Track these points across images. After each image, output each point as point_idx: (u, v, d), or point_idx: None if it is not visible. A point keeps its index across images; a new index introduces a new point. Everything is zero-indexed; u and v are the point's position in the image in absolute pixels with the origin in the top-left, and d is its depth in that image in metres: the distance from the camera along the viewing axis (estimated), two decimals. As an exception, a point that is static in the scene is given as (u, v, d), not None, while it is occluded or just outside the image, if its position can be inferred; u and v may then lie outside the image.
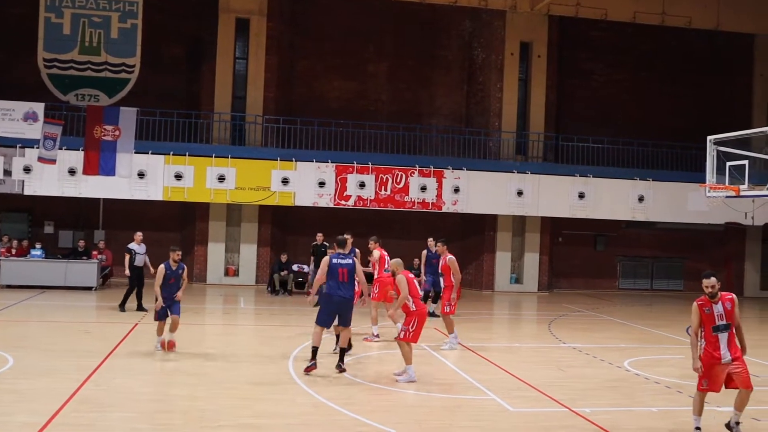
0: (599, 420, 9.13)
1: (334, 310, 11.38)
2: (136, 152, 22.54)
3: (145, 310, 17.26)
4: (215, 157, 23.07)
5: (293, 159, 23.42)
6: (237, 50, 25.29)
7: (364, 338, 14.36)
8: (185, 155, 22.88)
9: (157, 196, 22.90)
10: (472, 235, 26.91)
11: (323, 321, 11.35)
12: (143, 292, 17.58)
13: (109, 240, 24.18)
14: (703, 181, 14.57)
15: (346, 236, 12.14)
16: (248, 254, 24.98)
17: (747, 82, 28.11)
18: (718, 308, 8.41)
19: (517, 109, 26.43)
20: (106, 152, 22.23)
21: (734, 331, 8.49)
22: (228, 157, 23.12)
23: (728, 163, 14.09)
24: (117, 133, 22.35)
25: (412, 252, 23.31)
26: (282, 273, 22.81)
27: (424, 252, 19.16)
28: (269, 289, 23.02)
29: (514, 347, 15.27)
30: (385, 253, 14.75)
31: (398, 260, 11.54)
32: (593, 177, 24.94)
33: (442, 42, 28.01)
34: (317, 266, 20.21)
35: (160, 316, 12.63)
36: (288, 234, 25.99)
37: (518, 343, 15.69)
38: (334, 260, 11.35)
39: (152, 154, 22.72)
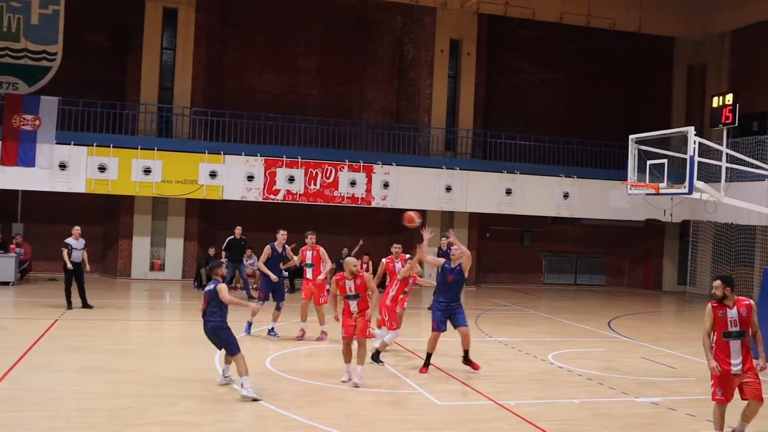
0: (524, 412, 9.31)
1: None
2: (57, 143, 21.86)
3: (91, 307, 16.75)
4: (141, 149, 22.54)
5: (221, 152, 23.08)
6: (164, 40, 24.74)
7: (315, 338, 14.04)
8: (109, 147, 22.28)
9: (80, 188, 22.24)
10: (401, 230, 26.96)
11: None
12: (85, 288, 17.00)
13: (28, 233, 23.39)
14: (625, 179, 14.98)
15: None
16: (175, 248, 24.52)
17: (667, 84, 29.05)
18: (732, 313, 8.04)
19: (447, 106, 26.70)
20: (25, 142, 21.50)
21: (752, 338, 8.13)
22: (154, 150, 22.62)
23: (649, 162, 14.53)
24: (37, 122, 21.63)
25: (342, 246, 23.39)
26: (209, 268, 22.46)
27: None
28: (196, 284, 22.64)
29: (441, 341, 15.40)
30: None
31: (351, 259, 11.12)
32: (520, 174, 25.38)
33: (373, 37, 28.04)
34: (232, 261, 20.21)
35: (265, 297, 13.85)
36: (216, 228, 25.61)
37: (445, 338, 15.83)
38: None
39: (74, 145, 22.05)
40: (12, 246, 21.65)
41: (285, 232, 14.54)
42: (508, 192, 25.26)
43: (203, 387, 10.06)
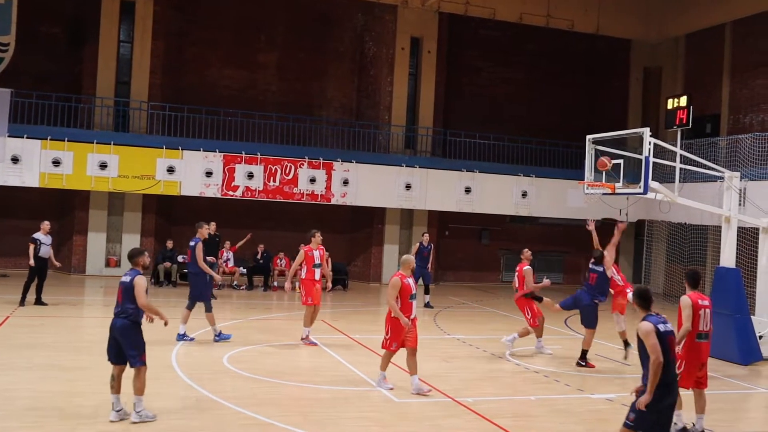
0: (481, 409, 9.38)
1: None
2: (9, 136, 21.31)
3: (45, 304, 16.41)
4: (97, 143, 22.15)
5: (179, 147, 22.81)
6: (121, 33, 24.33)
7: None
8: (64, 140, 21.86)
9: (33, 182, 21.79)
10: (361, 227, 27.05)
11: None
12: (44, 286, 16.64)
13: (-21, 228, 22.86)
14: (582, 178, 15.16)
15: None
16: (131, 244, 24.05)
17: (624, 85, 29.50)
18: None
19: (407, 104, 26.76)
20: (-24, 135, 20.95)
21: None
22: (111, 144, 22.25)
23: (605, 162, 14.73)
24: (-12, 115, 21.10)
25: (300, 243, 23.20)
26: (166, 265, 22.21)
27: (416, 245, 20.16)
28: (153, 280, 22.35)
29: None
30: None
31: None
32: (479, 172, 25.54)
33: (334, 34, 27.95)
34: (207, 255, 19.82)
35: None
36: (173, 224, 25.32)
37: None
38: None
39: (27, 138, 21.58)
40: (-38, 241, 21.14)
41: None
42: (468, 190, 25.41)
43: (157, 385, 9.93)
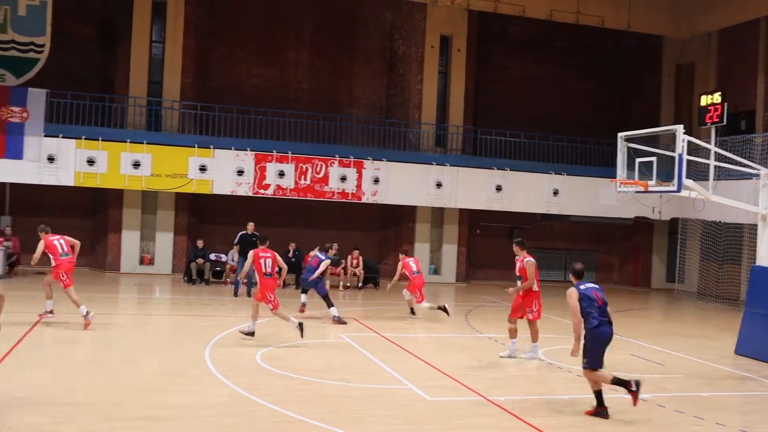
0: (513, 408, 9.35)
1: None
2: (45, 135, 21.73)
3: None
4: (130, 142, 22.43)
5: (211, 146, 23.01)
6: (153, 33, 24.61)
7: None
8: (98, 140, 22.17)
9: (68, 181, 22.12)
10: (391, 226, 27.07)
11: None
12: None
13: (17, 226, 23.23)
14: (614, 176, 15.01)
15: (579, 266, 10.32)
16: (164, 243, 24.43)
17: (656, 82, 29.17)
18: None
19: (437, 102, 26.72)
20: (12, 135, 21.37)
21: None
22: (143, 143, 22.52)
23: (637, 160, 14.57)
24: (25, 115, 21.50)
25: (330, 241, 23.23)
26: (198, 261, 22.38)
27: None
28: (186, 278, 22.58)
29: (432, 337, 15.46)
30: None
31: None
32: (510, 170, 25.44)
33: (363, 32, 27.99)
34: (243, 256, 19.91)
35: None
36: (205, 223, 25.55)
37: (436, 333, 15.88)
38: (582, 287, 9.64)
39: (63, 138, 21.92)
40: (0, 239, 21.51)
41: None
42: (498, 188, 25.31)
43: (190, 382, 10.05)
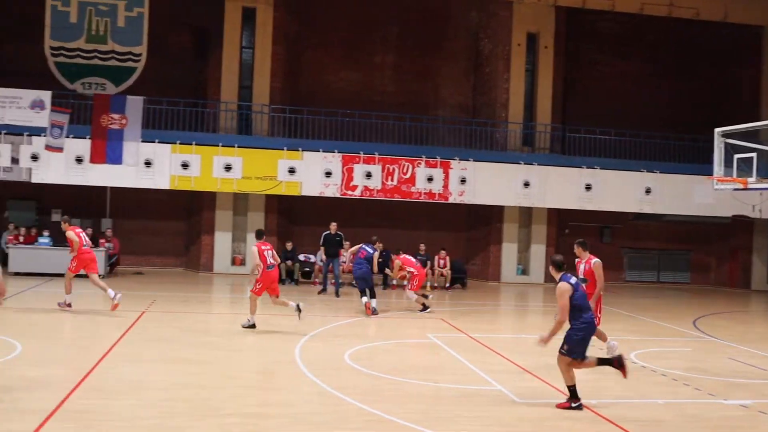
0: (605, 412, 9.13)
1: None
2: (142, 141, 22.60)
3: None
4: (222, 146, 23.08)
5: (300, 149, 23.42)
6: (243, 40, 25.26)
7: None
8: (192, 144, 22.89)
9: (164, 184, 22.93)
10: (479, 226, 26.90)
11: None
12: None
13: (116, 228, 24.24)
14: (710, 173, 14.52)
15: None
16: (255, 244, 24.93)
17: (755, 75, 27.94)
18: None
19: (524, 100, 26.40)
20: (113, 141, 22.30)
21: None
22: (235, 147, 23.12)
23: (736, 156, 14.03)
24: (124, 121, 22.40)
25: (417, 242, 23.33)
26: (288, 262, 22.77)
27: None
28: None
29: (521, 338, 15.27)
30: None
31: None
32: (600, 169, 24.90)
33: (448, 33, 27.93)
34: (329, 256, 20.22)
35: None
36: (294, 224, 26.01)
37: (525, 334, 15.68)
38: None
39: (159, 143, 22.74)
40: (102, 241, 22.46)
41: None
42: (588, 187, 24.80)
43: (282, 379, 10.23)
